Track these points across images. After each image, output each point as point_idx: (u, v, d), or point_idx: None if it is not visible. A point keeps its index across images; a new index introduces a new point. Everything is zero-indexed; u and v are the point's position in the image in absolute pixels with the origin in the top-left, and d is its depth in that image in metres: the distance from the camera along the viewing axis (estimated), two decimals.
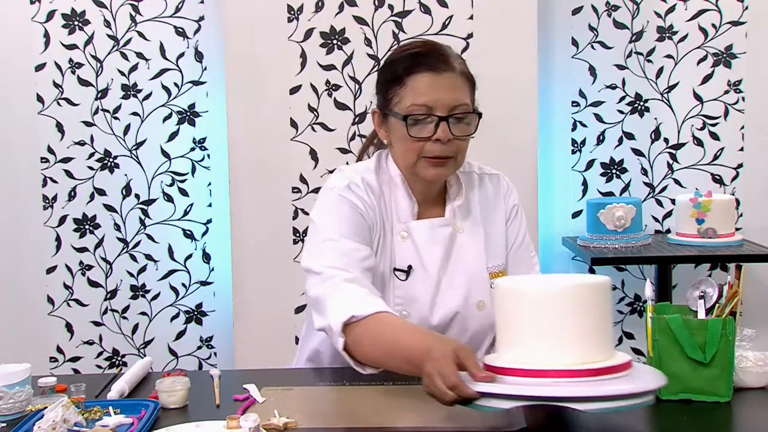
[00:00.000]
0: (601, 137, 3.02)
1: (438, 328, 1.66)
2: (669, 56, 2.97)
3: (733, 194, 2.96)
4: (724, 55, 2.96)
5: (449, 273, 1.68)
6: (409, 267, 1.66)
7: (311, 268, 1.58)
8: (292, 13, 2.73)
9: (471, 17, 2.72)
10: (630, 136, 3.01)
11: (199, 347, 3.11)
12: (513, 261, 1.76)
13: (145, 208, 3.05)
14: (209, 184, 3.05)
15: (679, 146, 3.00)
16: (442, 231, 1.68)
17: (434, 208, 1.71)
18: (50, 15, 2.97)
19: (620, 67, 2.99)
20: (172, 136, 3.03)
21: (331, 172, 2.74)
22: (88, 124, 3.01)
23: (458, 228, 1.70)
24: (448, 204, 1.71)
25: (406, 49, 1.65)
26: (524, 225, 1.79)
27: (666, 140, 3.00)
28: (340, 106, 2.76)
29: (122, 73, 3.00)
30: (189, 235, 3.06)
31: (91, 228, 3.05)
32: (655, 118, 3.00)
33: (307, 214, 2.74)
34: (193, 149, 3.04)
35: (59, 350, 3.08)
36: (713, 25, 2.95)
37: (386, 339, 1.44)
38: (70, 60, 2.99)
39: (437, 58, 1.60)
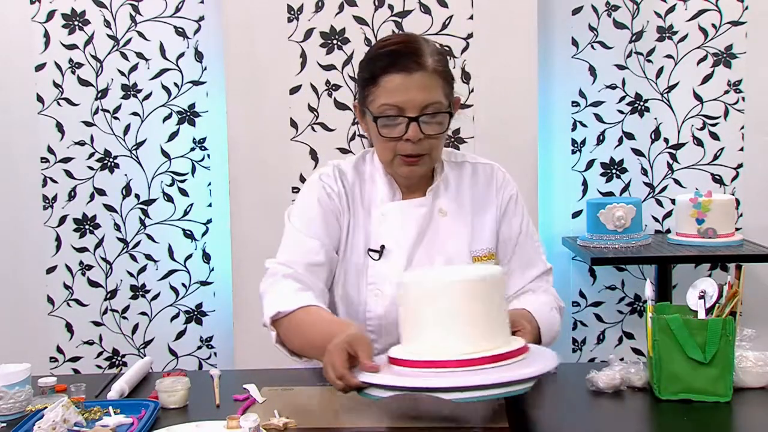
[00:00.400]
0: (601, 137, 3.02)
1: None
2: (669, 56, 2.97)
3: (733, 194, 2.96)
4: (724, 55, 2.96)
5: (424, 252, 1.70)
6: (382, 247, 1.69)
7: (267, 265, 1.68)
8: (292, 13, 2.73)
9: (471, 17, 2.72)
10: (630, 136, 3.01)
11: (199, 347, 3.11)
12: (519, 250, 1.76)
13: (145, 208, 3.05)
14: (209, 184, 3.05)
15: (679, 146, 3.00)
16: (417, 211, 1.71)
17: (418, 192, 1.73)
18: (50, 15, 2.97)
19: (620, 67, 2.99)
20: (172, 136, 3.03)
21: None
22: (88, 124, 3.01)
23: (441, 210, 1.72)
24: (429, 189, 1.73)
25: (383, 46, 1.66)
26: (526, 214, 1.79)
27: (666, 140, 3.00)
28: (340, 106, 2.76)
29: (122, 73, 3.00)
30: (189, 235, 3.07)
31: (91, 228, 3.05)
32: (655, 118, 3.00)
33: None
34: (193, 149, 3.04)
35: (59, 350, 3.08)
36: (713, 25, 2.95)
37: (306, 331, 1.53)
38: (70, 60, 2.99)
39: (410, 57, 1.60)
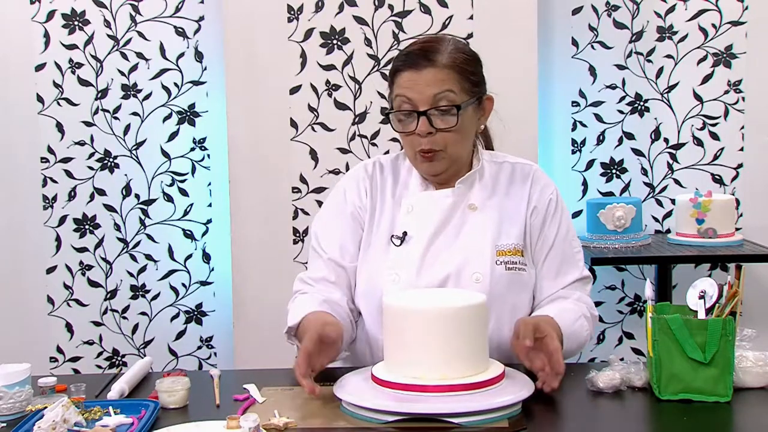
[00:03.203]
0: (601, 137, 3.02)
1: None
2: (669, 56, 2.97)
3: (733, 194, 2.96)
4: (724, 55, 2.96)
5: (445, 241, 1.72)
6: (404, 233, 1.73)
7: (294, 283, 1.84)
8: (292, 13, 2.73)
9: (471, 17, 2.72)
10: (630, 136, 3.01)
11: (199, 347, 3.11)
12: (553, 254, 1.76)
13: (145, 208, 3.05)
14: (209, 184, 3.05)
15: (679, 146, 3.00)
16: (443, 201, 1.74)
17: (450, 186, 1.76)
18: (50, 15, 2.97)
19: (620, 67, 2.99)
20: (172, 136, 3.03)
21: (331, 172, 2.76)
22: (88, 124, 3.01)
23: (471, 206, 1.74)
24: (458, 181, 1.75)
25: (402, 50, 1.75)
26: (566, 219, 1.80)
27: (666, 140, 3.00)
28: (340, 106, 2.76)
29: (122, 73, 3.00)
30: (189, 235, 3.07)
31: (91, 228, 3.05)
32: (655, 118, 3.00)
33: (307, 214, 2.74)
34: (193, 149, 3.04)
35: (59, 350, 3.08)
36: (713, 25, 2.95)
37: None
38: (70, 60, 2.99)
39: (421, 56, 1.66)
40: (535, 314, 1.71)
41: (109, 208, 3.04)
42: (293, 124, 2.76)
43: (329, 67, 2.75)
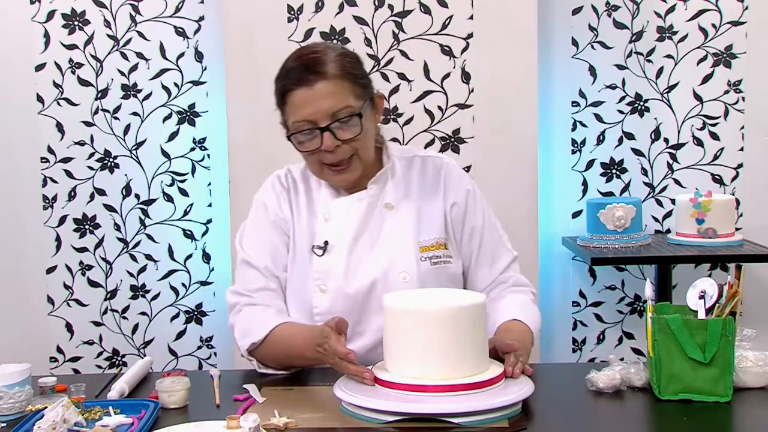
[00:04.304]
0: (601, 137, 3.02)
1: (356, 297, 1.70)
2: (669, 56, 2.97)
3: (733, 194, 2.96)
4: (724, 55, 2.96)
5: (366, 244, 1.72)
6: (325, 243, 1.72)
7: (227, 298, 1.77)
8: (292, 13, 2.73)
9: (471, 17, 2.72)
10: (630, 136, 3.01)
11: (199, 347, 3.11)
12: (484, 243, 1.78)
13: (145, 208, 3.05)
14: (209, 184, 3.05)
15: (679, 146, 3.00)
16: (358, 204, 1.73)
17: (362, 188, 1.76)
18: (50, 15, 2.97)
19: (620, 67, 2.99)
20: (172, 136, 3.03)
21: None
22: (88, 124, 3.01)
23: (387, 205, 1.74)
24: (369, 182, 1.74)
25: (284, 66, 1.71)
26: (486, 206, 1.81)
27: (666, 140, 3.00)
28: None
29: (122, 73, 3.00)
30: (189, 235, 3.06)
31: (91, 228, 3.05)
32: (655, 118, 3.00)
33: None
34: (193, 149, 3.04)
35: (59, 350, 3.08)
36: (713, 25, 2.95)
37: (282, 348, 1.64)
38: (70, 60, 2.98)
39: (308, 70, 1.64)
40: (498, 317, 1.70)
41: (109, 208, 3.04)
42: None
43: None
